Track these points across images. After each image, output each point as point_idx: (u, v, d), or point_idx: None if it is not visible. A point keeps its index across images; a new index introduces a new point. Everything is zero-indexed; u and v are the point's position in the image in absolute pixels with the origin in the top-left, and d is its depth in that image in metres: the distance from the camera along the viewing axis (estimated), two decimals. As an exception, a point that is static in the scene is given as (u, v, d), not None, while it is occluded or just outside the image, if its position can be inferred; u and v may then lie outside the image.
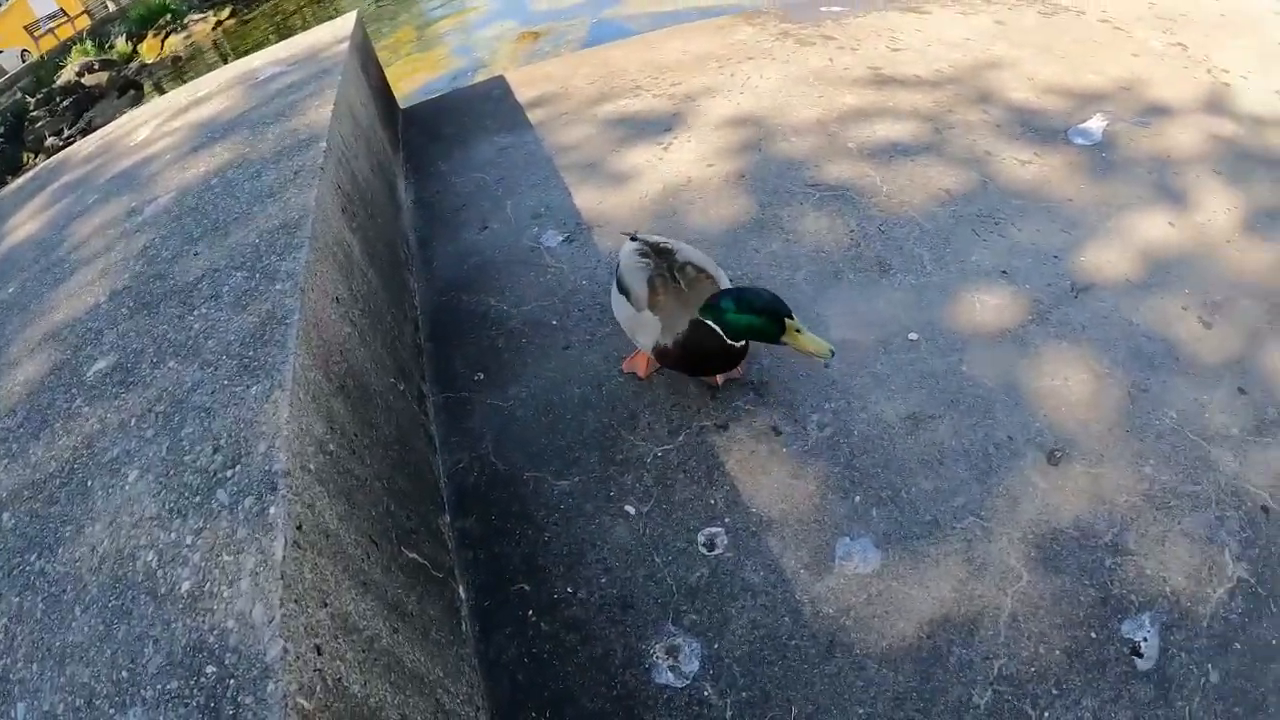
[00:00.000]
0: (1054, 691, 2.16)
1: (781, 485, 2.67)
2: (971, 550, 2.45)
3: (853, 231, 3.60)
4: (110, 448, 1.95)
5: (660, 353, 2.59)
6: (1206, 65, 4.64)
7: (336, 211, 2.93)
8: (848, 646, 2.29)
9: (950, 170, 3.90)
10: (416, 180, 4.58)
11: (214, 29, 13.33)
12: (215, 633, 1.44)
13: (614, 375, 3.12)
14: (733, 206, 3.76)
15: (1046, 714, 2.13)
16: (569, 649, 2.37)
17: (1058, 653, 2.23)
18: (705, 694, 2.24)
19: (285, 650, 1.38)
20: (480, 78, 6.47)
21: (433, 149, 4.85)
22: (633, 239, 2.87)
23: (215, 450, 1.82)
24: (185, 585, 1.56)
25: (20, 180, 5.24)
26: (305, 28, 9.20)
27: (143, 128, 4.29)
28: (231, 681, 1.37)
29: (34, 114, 13.97)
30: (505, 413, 3.05)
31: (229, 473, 1.75)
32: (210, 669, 1.40)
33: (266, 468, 1.72)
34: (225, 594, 1.51)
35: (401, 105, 5.64)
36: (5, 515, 1.93)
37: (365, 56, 4.92)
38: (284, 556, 1.52)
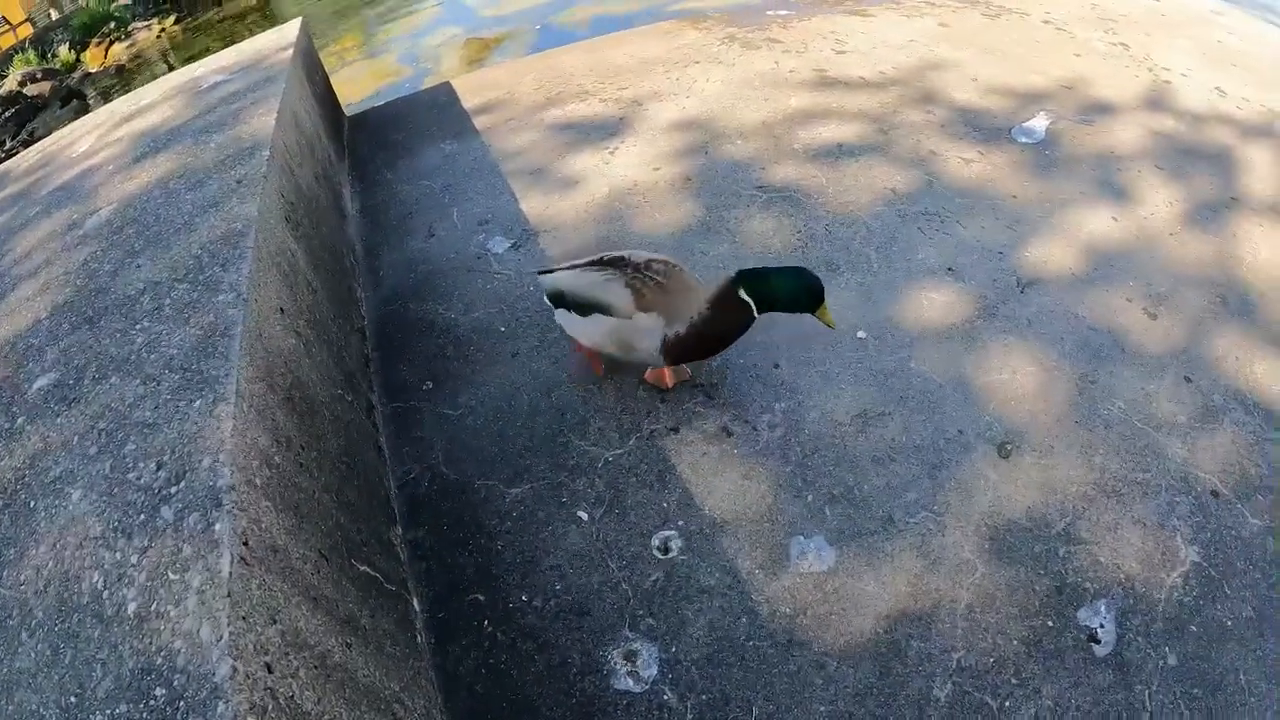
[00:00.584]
0: (1013, 681, 2.19)
1: (734, 486, 2.67)
2: (926, 544, 2.46)
3: (800, 232, 3.59)
4: (52, 467, 1.90)
5: (672, 345, 2.54)
6: (1148, 64, 4.76)
7: (280, 221, 2.84)
8: (806, 645, 2.30)
9: (895, 170, 3.93)
10: (362, 188, 4.52)
11: (159, 37, 13.11)
12: (163, 654, 1.41)
13: (563, 381, 3.10)
14: (679, 210, 3.75)
15: (1007, 703, 2.15)
16: (526, 658, 2.34)
17: (1015, 643, 2.25)
18: (665, 698, 2.23)
19: (234, 669, 1.35)
20: (427, 84, 6.41)
21: (379, 156, 4.78)
22: (549, 272, 2.85)
23: (159, 467, 1.77)
24: (132, 606, 1.51)
25: (-45, 196, 5.10)
26: (251, 35, 9.07)
27: (85, 138, 4.19)
28: (181, 703, 1.33)
29: (-26, 127, 13.70)
30: (455, 421, 3.01)
31: (173, 489, 1.71)
32: (159, 691, 1.37)
33: (211, 483, 1.68)
34: (172, 614, 1.47)
35: (349, 112, 5.57)
36: (-58, 540, 1.87)
37: (310, 63, 4.84)
38: (231, 574, 1.49)
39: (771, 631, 2.33)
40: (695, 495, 2.65)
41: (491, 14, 7.87)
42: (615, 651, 2.33)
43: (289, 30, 4.98)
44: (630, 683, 2.27)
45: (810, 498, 2.61)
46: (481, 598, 2.43)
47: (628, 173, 4.09)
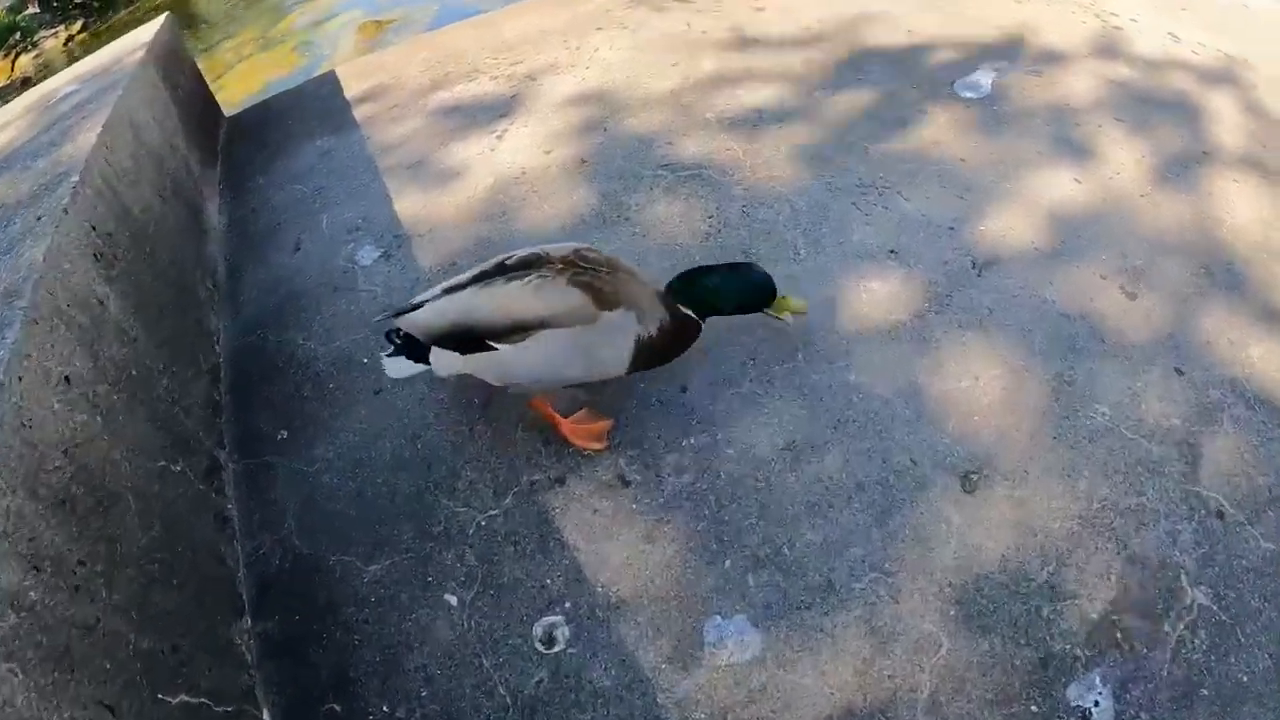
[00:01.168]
0: (994, 789, 1.71)
1: (632, 553, 2.10)
2: (876, 617, 1.93)
3: (711, 217, 3.01)
4: None
5: (644, 348, 2.09)
6: (1094, 9, 4.19)
7: (84, 261, 2.32)
8: (728, 764, 1.76)
9: (823, 137, 3.35)
10: (233, 198, 3.90)
11: (65, 45, 12.24)
12: None
13: (430, 423, 2.51)
14: (572, 198, 3.26)
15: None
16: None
17: (994, 738, 1.77)
18: None
19: None
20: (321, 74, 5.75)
21: (254, 160, 4.17)
22: (417, 307, 2.20)
23: None
24: None
25: None
26: None
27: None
28: None
29: (-121, 154, 12.71)
30: (310, 480, 2.47)
31: None
32: None
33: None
34: None
35: (240, 111, 4.97)
36: None
37: (172, 63, 4.22)
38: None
39: (684, 749, 1.77)
40: (585, 567, 2.10)
41: (394, -8, 7.25)
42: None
43: (149, 28, 4.37)
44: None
45: (728, 563, 2.04)
46: (338, 708, 2.00)
47: (516, 159, 3.51)
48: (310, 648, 2.10)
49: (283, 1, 8.39)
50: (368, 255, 3.19)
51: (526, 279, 2.04)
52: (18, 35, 13.57)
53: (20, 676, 1.35)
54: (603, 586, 2.04)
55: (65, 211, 2.32)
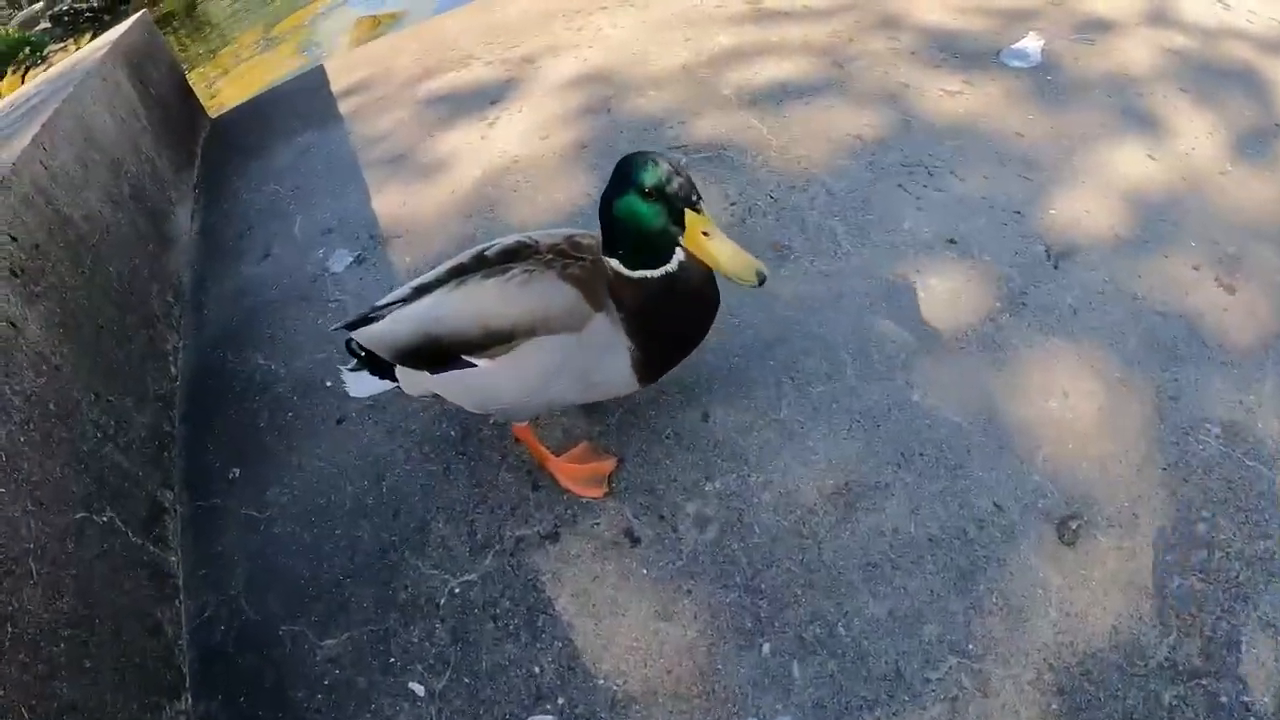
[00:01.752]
0: None
1: (643, 634, 1.60)
2: (959, 717, 1.43)
3: (734, 204, 2.51)
4: None
5: (644, 360, 1.57)
6: None
7: None
8: None
9: (859, 111, 2.85)
10: (207, 202, 3.48)
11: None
12: None
13: (398, 460, 2.01)
14: (570, 187, 2.76)
15: None
16: None
17: None
18: None
19: None
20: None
21: (232, 161, 3.74)
22: (367, 320, 1.69)
23: None
24: None
25: None
26: (174, 47, 7.94)
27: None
28: None
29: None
30: (262, 529, 2.01)
31: None
32: None
33: None
34: None
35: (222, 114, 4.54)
36: None
37: (143, 61, 3.84)
38: None
39: None
40: (584, 651, 1.60)
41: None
42: None
43: (120, 27, 4.04)
44: None
45: (767, 648, 1.53)
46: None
47: (508, 147, 3.03)
48: (255, 741, 1.65)
49: (285, 3, 7.97)
50: (340, 261, 2.72)
51: (509, 274, 1.53)
52: (27, 50, 13.24)
53: None
54: (605, 678, 1.54)
55: None
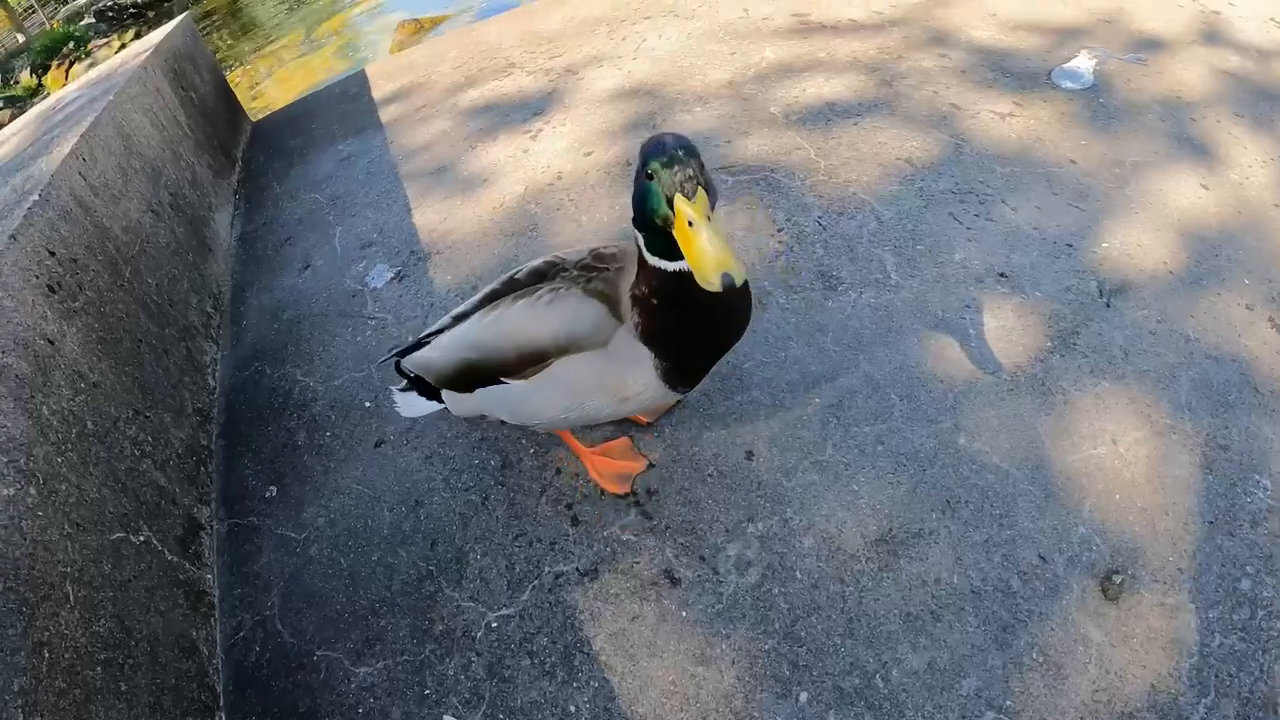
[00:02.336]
0: None
1: (680, 677, 1.58)
2: None
3: (781, 230, 2.48)
4: None
5: (669, 368, 1.51)
6: None
7: (31, 295, 1.92)
8: None
9: (909, 133, 2.81)
10: (247, 209, 3.50)
11: (118, 53, 12.06)
12: None
13: (436, 487, 2.02)
14: (614, 207, 2.74)
15: None
16: None
17: None
18: None
19: None
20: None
21: (272, 168, 3.76)
22: (419, 346, 1.74)
23: None
24: None
25: None
26: (217, 46, 8.01)
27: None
28: None
29: (-63, 160, 12.50)
30: (298, 550, 2.02)
31: None
32: None
33: None
34: None
35: (263, 118, 4.56)
36: None
37: (184, 66, 3.86)
38: None
39: None
40: (620, 693, 1.58)
41: (438, -7, 6.74)
42: None
43: (161, 31, 4.06)
44: None
45: (804, 697, 1.52)
46: None
47: (551, 161, 3.02)
48: (288, 769, 1.62)
49: (327, 5, 8.02)
50: (380, 276, 2.73)
51: (536, 295, 1.54)
52: (71, 44, 13.39)
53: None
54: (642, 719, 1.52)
55: (13, 238, 1.96)
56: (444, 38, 4.80)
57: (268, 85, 6.35)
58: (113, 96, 2.90)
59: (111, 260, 2.34)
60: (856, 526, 1.72)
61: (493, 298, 1.63)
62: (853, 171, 2.65)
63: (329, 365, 2.48)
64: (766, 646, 1.58)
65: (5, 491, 1.52)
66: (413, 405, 1.82)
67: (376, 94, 4.08)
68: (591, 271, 1.55)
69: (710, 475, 1.86)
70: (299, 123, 4.16)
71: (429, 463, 2.07)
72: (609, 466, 1.89)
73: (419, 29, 6.44)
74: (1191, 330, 2.05)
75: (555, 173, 2.94)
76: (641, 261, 1.42)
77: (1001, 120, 2.80)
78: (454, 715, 1.63)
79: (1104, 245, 2.29)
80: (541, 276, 1.60)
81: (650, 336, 1.47)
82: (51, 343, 1.90)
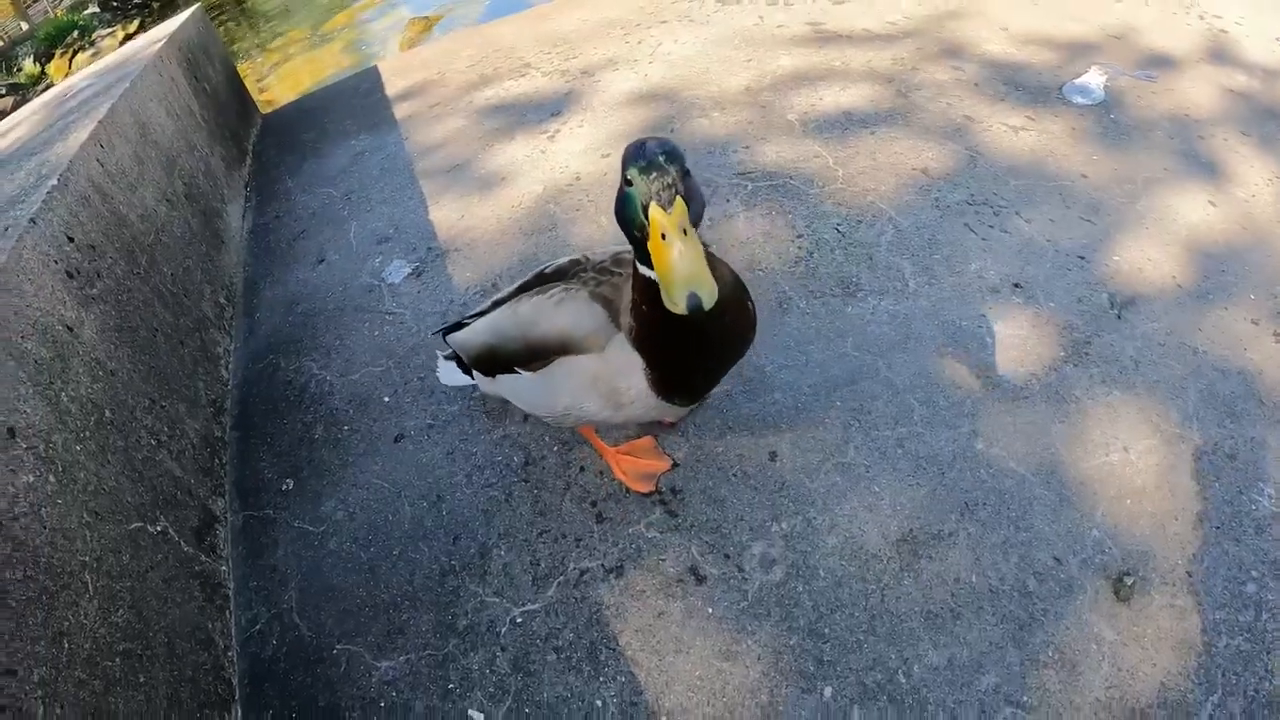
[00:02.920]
0: None
1: (707, 672, 1.62)
2: None
3: (801, 237, 2.52)
4: None
5: (658, 380, 1.49)
6: (1196, 10, 3.75)
7: (51, 281, 1.91)
8: None
9: (924, 143, 2.86)
10: (259, 201, 3.51)
11: (121, 43, 12.00)
12: None
13: (458, 483, 2.05)
14: None
15: None
16: None
17: None
18: None
19: None
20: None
21: (284, 161, 3.77)
22: (459, 326, 1.79)
23: None
24: None
25: None
26: (226, 33, 8.01)
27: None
28: None
29: (-63, 148, 12.42)
30: (316, 544, 2.03)
31: None
32: None
33: None
34: None
35: (274, 111, 4.58)
36: None
37: (197, 56, 3.87)
38: None
39: None
40: (647, 687, 1.62)
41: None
42: None
43: (175, 20, 4.07)
44: None
45: (829, 691, 1.56)
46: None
47: (569, 162, 3.06)
48: (307, 762, 1.64)
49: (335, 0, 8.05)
50: (397, 271, 2.76)
51: (550, 293, 1.58)
52: (75, 33, 13.34)
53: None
54: (667, 715, 1.57)
55: (33, 222, 1.93)
56: (457, 36, 4.84)
57: (272, 80, 6.36)
58: (129, 84, 2.91)
59: (128, 248, 2.35)
60: (878, 527, 1.77)
61: (524, 289, 1.69)
62: (870, 180, 2.71)
63: (346, 359, 2.50)
64: (791, 642, 1.62)
65: (25, 478, 1.51)
66: (451, 375, 1.90)
67: (389, 90, 4.11)
68: (604, 275, 1.56)
69: (734, 475, 1.91)
70: (311, 117, 4.18)
71: (450, 458, 2.11)
72: (634, 465, 1.93)
73: (428, 26, 6.47)
74: (1199, 343, 2.11)
75: (574, 173, 2.99)
76: (634, 268, 1.37)
77: (1014, 134, 2.85)
78: (479, 709, 1.65)
79: (1115, 258, 2.35)
80: (563, 275, 1.64)
81: (641, 344, 1.46)
82: (70, 329, 1.90)
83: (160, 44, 3.51)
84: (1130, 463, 1.85)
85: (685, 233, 1.17)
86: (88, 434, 1.76)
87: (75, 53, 13.20)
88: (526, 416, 2.08)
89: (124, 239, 2.35)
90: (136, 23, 13.36)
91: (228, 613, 1.96)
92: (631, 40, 3.91)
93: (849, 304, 2.28)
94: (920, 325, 2.19)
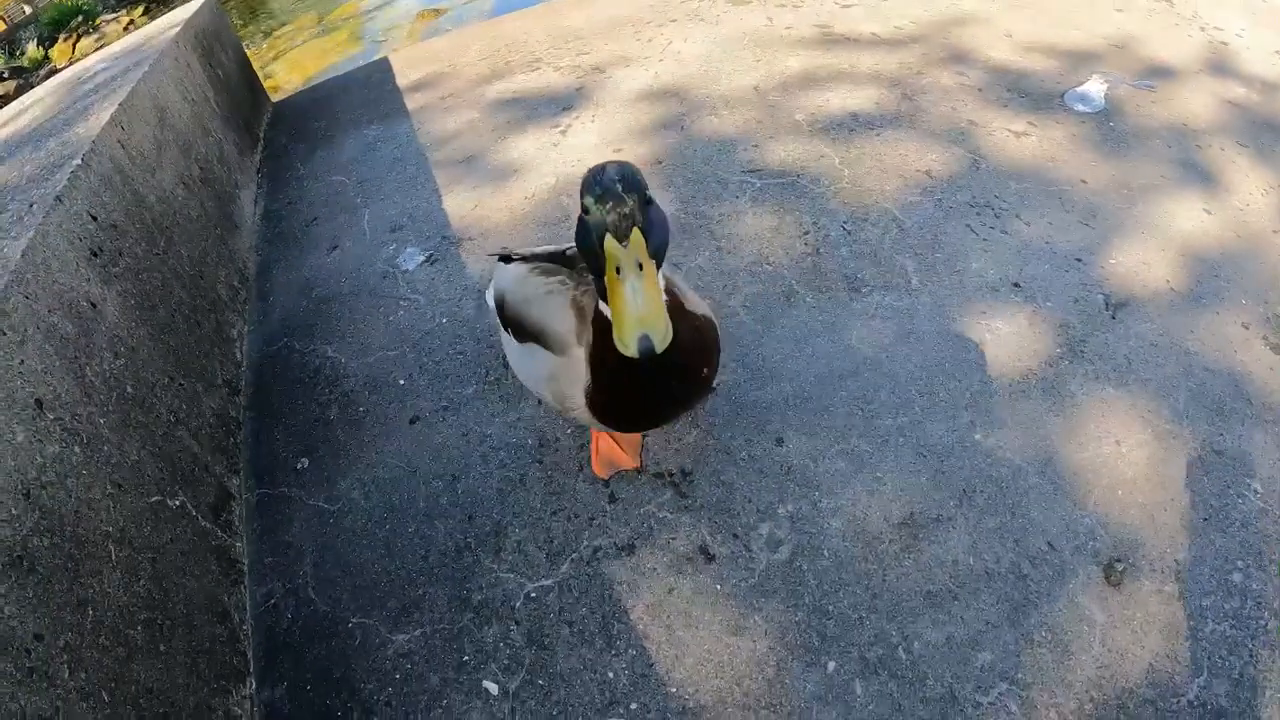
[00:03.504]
0: None
1: (715, 646, 1.70)
2: None
3: (808, 234, 2.59)
4: None
5: (595, 404, 1.49)
6: (1198, 22, 3.82)
7: (76, 258, 1.95)
8: None
9: (928, 146, 2.94)
10: (270, 188, 3.56)
11: (126, 29, 12.01)
12: None
13: (473, 463, 2.12)
14: None
15: None
16: None
17: None
18: None
19: None
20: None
21: (295, 149, 3.82)
22: (508, 259, 1.82)
23: None
24: None
25: None
26: (231, 18, 8.05)
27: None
28: None
29: (-61, 128, 12.40)
30: (332, 521, 2.09)
31: None
32: None
33: None
34: None
35: (285, 98, 4.62)
36: None
37: (211, 43, 3.91)
38: None
39: None
40: (657, 660, 1.69)
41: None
42: None
43: (189, 7, 4.11)
44: None
45: (832, 666, 1.63)
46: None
47: (582, 156, 3.13)
48: (321, 730, 1.74)
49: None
50: (411, 259, 2.82)
51: (549, 281, 1.62)
52: (79, 18, 13.36)
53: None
54: (678, 686, 1.65)
55: (59, 200, 1.98)
56: (467, 30, 4.89)
57: (277, 68, 6.41)
58: (148, 68, 2.95)
59: (148, 229, 2.40)
60: (880, 510, 1.85)
61: (550, 259, 1.72)
62: (876, 181, 2.78)
63: (360, 343, 2.56)
64: (797, 619, 1.70)
65: (53, 448, 1.55)
66: (491, 296, 1.89)
67: (401, 81, 4.17)
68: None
69: (742, 459, 1.99)
70: (321, 105, 4.23)
71: (465, 440, 2.18)
72: (608, 448, 2.00)
73: (436, 17, 6.53)
74: (1191, 345, 2.19)
75: (586, 167, 3.04)
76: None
77: (1016, 139, 2.93)
78: (493, 681, 1.72)
79: (1111, 261, 2.43)
80: (572, 265, 1.66)
81: (590, 363, 1.44)
82: (94, 306, 1.94)
83: (177, 29, 3.55)
84: (1122, 456, 1.93)
85: (642, 267, 1.12)
86: (111, 408, 1.81)
87: (79, 37, 13.22)
88: (539, 401, 2.15)
89: (144, 220, 2.40)
90: (141, 9, 13.37)
91: (242, 587, 2.00)
92: (642, 38, 3.98)
93: (854, 299, 2.36)
94: (922, 321, 2.27)
